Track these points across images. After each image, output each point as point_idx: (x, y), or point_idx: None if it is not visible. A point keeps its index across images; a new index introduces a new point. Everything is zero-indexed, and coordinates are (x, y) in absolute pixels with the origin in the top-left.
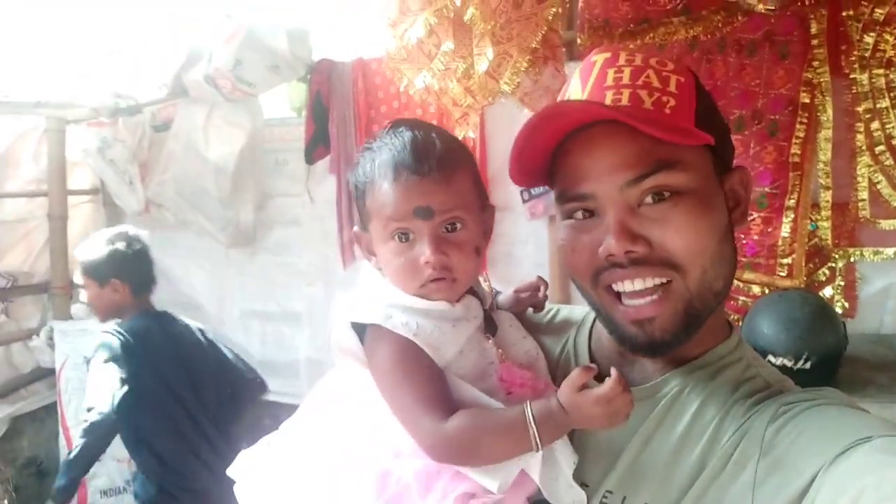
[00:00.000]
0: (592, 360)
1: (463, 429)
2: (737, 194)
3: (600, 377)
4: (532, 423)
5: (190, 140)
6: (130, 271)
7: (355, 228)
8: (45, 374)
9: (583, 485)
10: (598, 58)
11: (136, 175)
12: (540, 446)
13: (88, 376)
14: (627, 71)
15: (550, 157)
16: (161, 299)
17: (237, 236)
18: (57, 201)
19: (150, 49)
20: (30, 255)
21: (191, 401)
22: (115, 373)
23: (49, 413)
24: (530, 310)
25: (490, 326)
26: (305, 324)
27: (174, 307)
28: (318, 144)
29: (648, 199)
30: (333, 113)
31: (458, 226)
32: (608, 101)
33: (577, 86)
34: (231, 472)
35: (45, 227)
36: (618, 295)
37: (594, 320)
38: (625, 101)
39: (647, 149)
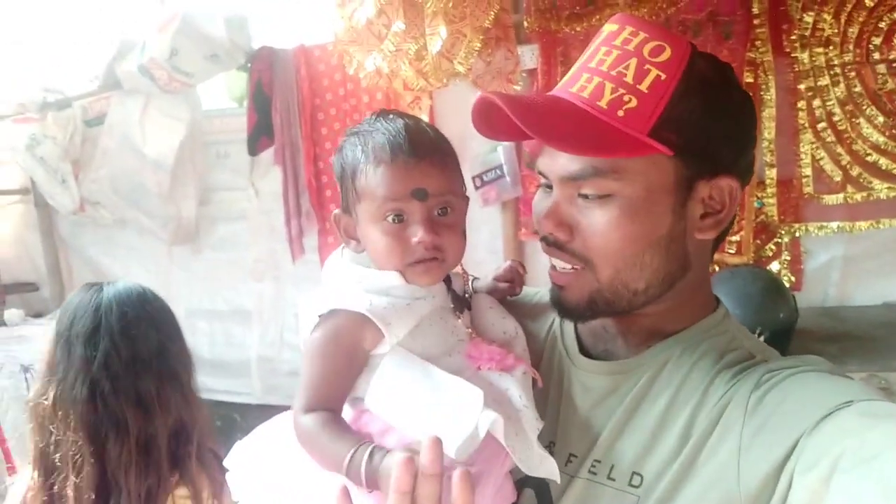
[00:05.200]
0: (578, 337)
1: (307, 428)
2: (713, 203)
3: (588, 355)
4: (348, 463)
5: (125, 134)
6: None
7: (336, 211)
8: None
9: (571, 456)
10: (607, 27)
11: (69, 173)
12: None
13: None
14: (614, 54)
15: None
16: None
17: (179, 233)
18: None
19: (78, 39)
20: None
21: None
22: None
23: None
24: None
25: (460, 305)
26: (255, 321)
27: None
28: (261, 135)
29: (583, 193)
30: (276, 102)
31: (449, 210)
32: (575, 87)
33: (586, 52)
34: (227, 462)
35: None
36: None
37: None
38: (588, 91)
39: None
